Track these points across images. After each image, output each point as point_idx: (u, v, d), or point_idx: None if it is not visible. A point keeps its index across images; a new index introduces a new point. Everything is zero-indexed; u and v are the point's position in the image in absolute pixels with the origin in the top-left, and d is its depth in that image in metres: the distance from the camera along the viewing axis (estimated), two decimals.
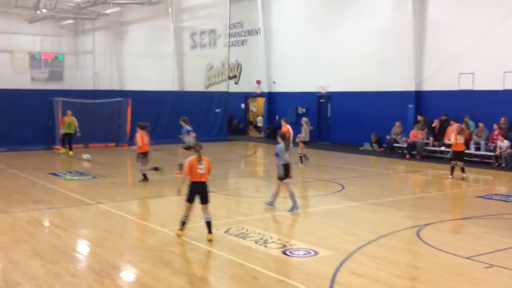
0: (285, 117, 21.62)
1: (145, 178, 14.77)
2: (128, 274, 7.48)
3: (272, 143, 27.32)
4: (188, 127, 16.04)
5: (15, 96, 23.60)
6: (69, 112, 21.60)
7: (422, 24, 22.75)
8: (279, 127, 29.63)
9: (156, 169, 14.89)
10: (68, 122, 21.19)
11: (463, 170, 15.86)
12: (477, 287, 6.83)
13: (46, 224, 10.31)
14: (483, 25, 20.66)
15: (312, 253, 8.24)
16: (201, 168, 8.82)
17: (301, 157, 18.58)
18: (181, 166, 14.66)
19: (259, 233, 9.38)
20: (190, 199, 8.94)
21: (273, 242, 8.81)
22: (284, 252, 8.24)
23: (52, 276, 7.13)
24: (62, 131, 21.53)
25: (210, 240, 8.79)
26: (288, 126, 18.45)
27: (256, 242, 8.78)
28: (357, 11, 25.61)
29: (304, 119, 19.65)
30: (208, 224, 8.90)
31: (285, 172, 11.17)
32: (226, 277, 7.20)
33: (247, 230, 9.57)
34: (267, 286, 6.77)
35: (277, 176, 11.29)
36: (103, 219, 10.61)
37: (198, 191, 8.89)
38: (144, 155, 14.67)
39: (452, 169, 16.04)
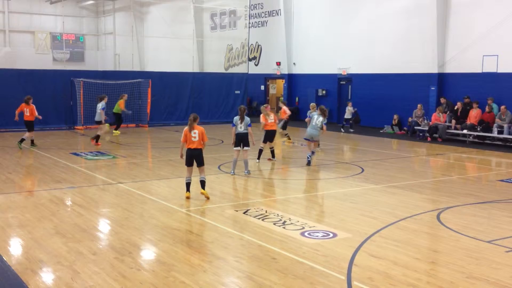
0: (305, 98, 21.78)
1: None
2: (148, 253, 7.56)
3: (291, 125, 27.25)
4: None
5: (37, 76, 23.83)
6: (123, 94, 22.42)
7: (445, 5, 22.34)
8: (299, 109, 29.72)
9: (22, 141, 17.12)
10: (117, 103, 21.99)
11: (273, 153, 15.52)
12: (498, 271, 6.77)
13: (68, 203, 10.45)
14: (508, 7, 20.21)
15: (331, 235, 8.24)
16: (194, 136, 10.21)
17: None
18: None
19: (278, 214, 9.40)
20: (187, 163, 10.38)
21: (291, 223, 8.83)
22: (302, 234, 8.25)
23: (74, 254, 7.25)
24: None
25: (202, 193, 10.38)
26: (285, 108, 20.65)
27: (275, 224, 8.81)
28: None
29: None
30: (202, 183, 10.42)
31: (237, 141, 12.83)
32: (245, 258, 7.24)
33: (266, 211, 9.60)
34: (285, 267, 6.80)
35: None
36: (123, 198, 10.73)
37: (193, 156, 10.29)
38: None
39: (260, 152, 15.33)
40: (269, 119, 15.08)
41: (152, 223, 8.91)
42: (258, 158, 15.11)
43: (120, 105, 22.08)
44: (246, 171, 13.15)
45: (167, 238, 8.02)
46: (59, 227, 8.51)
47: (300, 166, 15.00)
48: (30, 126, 17.43)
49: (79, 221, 8.90)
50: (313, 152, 15.01)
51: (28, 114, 17.32)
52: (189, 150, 10.33)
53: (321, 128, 14.61)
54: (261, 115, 15.26)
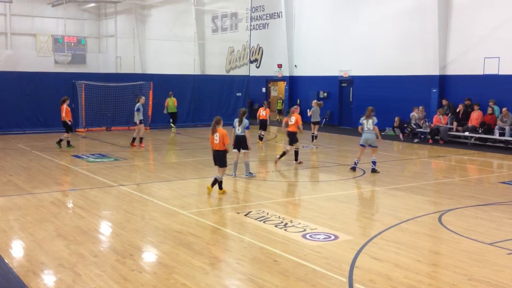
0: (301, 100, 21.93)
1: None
2: (149, 255, 7.56)
3: None
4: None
5: (39, 79, 23.85)
6: (170, 93, 24.30)
7: (446, 7, 22.33)
8: (301, 111, 29.69)
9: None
10: (172, 102, 24.26)
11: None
12: (499, 273, 6.76)
13: (70, 205, 10.46)
14: (509, 8, 20.20)
15: (332, 237, 8.23)
16: (216, 139, 10.89)
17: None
18: None
19: (279, 216, 9.40)
20: (214, 163, 11.19)
21: (293, 226, 8.82)
22: (304, 236, 8.25)
23: (75, 256, 7.25)
24: (166, 111, 24.30)
25: (220, 193, 11.04)
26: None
27: (276, 226, 8.80)
28: None
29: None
30: (219, 183, 11.05)
31: (235, 143, 12.86)
32: (247, 260, 7.23)
33: (267, 213, 9.60)
34: (287, 270, 6.80)
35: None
36: (125, 201, 10.73)
37: (216, 156, 11.05)
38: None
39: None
40: (289, 120, 15.07)
41: (153, 225, 8.91)
42: (296, 159, 15.29)
43: (175, 103, 24.31)
44: (246, 174, 13.13)
45: (168, 240, 8.02)
46: (60, 230, 8.52)
47: (301, 168, 14.99)
48: (64, 126, 18.02)
49: (80, 224, 8.90)
50: (374, 163, 14.16)
51: (63, 114, 17.85)
52: (213, 151, 11.13)
53: (373, 129, 13.96)
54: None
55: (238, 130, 12.83)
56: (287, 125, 15.15)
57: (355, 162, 14.35)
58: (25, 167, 14.37)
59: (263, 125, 20.61)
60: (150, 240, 8.20)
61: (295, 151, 15.32)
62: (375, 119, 14.01)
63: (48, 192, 11.31)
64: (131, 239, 8.10)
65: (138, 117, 18.23)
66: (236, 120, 12.87)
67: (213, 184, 10.97)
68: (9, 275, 6.58)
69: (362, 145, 14.22)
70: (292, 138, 15.01)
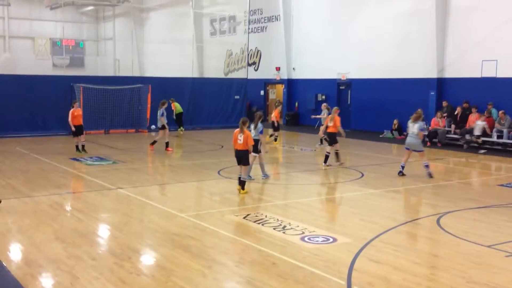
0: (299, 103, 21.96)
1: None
2: (147, 258, 7.55)
3: (291, 130, 27.28)
4: None
5: (37, 82, 23.85)
6: (173, 99, 24.43)
7: (444, 10, 22.38)
8: (299, 114, 29.77)
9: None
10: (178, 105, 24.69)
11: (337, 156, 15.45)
12: (498, 276, 6.76)
13: (68, 208, 10.45)
14: (506, 11, 20.26)
15: (331, 240, 8.23)
16: (240, 139, 11.29)
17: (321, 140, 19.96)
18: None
19: (277, 219, 9.39)
20: (238, 163, 11.57)
21: (291, 228, 8.81)
22: (302, 239, 8.24)
23: (73, 259, 7.24)
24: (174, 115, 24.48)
25: (243, 194, 11.35)
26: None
27: (274, 229, 8.79)
28: None
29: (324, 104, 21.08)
30: (242, 183, 11.42)
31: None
32: (245, 263, 7.23)
33: (266, 216, 9.59)
34: (285, 272, 6.79)
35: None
36: (123, 203, 10.72)
37: (238, 156, 11.44)
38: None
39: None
40: (329, 122, 15.15)
41: (151, 228, 8.90)
42: (325, 162, 15.24)
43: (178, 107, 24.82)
44: (244, 176, 13.00)
45: (166, 243, 8.01)
46: (58, 232, 8.50)
47: (299, 171, 14.99)
48: (75, 130, 17.37)
49: (78, 226, 8.89)
50: (426, 166, 13.74)
51: (69, 119, 17.38)
52: (235, 151, 11.48)
53: (417, 134, 13.57)
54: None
55: (253, 134, 12.69)
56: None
57: (401, 166, 14.06)
58: (23, 170, 14.35)
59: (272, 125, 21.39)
60: (148, 243, 8.19)
61: (335, 152, 15.33)
62: (421, 124, 13.56)
63: (46, 195, 11.29)
64: (129, 242, 8.09)
65: (163, 121, 18.11)
66: (252, 124, 12.89)
67: (242, 186, 11.43)
68: (7, 277, 6.57)
69: (407, 148, 13.95)
70: (332, 139, 15.12)
